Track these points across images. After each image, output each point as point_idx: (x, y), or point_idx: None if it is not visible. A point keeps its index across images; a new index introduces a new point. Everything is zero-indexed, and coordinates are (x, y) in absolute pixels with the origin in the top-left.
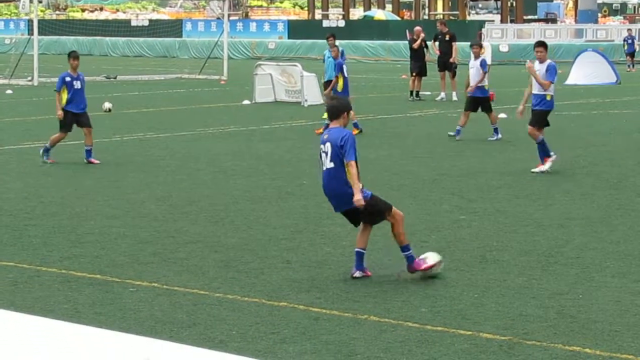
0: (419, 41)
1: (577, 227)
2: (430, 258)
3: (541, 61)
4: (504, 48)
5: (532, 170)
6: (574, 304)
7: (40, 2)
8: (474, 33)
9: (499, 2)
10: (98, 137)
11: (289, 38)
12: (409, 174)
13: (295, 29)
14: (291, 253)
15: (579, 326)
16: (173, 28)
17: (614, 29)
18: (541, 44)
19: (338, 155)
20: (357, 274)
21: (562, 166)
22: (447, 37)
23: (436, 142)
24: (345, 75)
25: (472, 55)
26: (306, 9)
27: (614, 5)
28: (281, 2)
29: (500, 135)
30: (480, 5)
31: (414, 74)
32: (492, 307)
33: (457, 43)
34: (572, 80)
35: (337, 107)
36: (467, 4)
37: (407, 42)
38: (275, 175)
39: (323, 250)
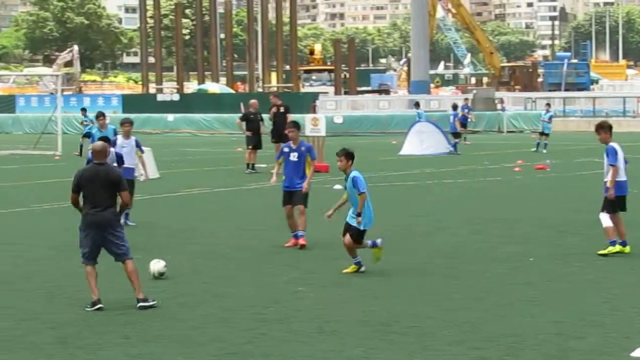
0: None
1: (413, 297)
2: None
3: None
4: (338, 119)
5: None
6: None
7: None
8: (308, 104)
9: (332, 74)
10: None
11: (123, 112)
12: (246, 247)
13: (130, 103)
14: (129, 327)
15: None
16: (6, 104)
17: (446, 99)
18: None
19: None
20: None
21: (398, 234)
22: (281, 109)
23: (272, 215)
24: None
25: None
26: (140, 83)
27: (446, 75)
28: (115, 77)
29: None
30: (314, 77)
31: (250, 147)
32: None
33: (291, 114)
34: (406, 150)
35: None
36: (301, 76)
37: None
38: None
39: (161, 324)
